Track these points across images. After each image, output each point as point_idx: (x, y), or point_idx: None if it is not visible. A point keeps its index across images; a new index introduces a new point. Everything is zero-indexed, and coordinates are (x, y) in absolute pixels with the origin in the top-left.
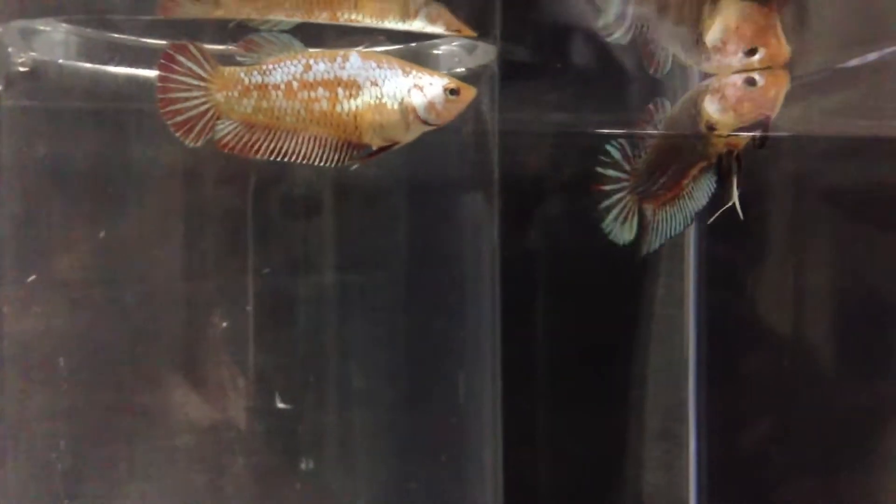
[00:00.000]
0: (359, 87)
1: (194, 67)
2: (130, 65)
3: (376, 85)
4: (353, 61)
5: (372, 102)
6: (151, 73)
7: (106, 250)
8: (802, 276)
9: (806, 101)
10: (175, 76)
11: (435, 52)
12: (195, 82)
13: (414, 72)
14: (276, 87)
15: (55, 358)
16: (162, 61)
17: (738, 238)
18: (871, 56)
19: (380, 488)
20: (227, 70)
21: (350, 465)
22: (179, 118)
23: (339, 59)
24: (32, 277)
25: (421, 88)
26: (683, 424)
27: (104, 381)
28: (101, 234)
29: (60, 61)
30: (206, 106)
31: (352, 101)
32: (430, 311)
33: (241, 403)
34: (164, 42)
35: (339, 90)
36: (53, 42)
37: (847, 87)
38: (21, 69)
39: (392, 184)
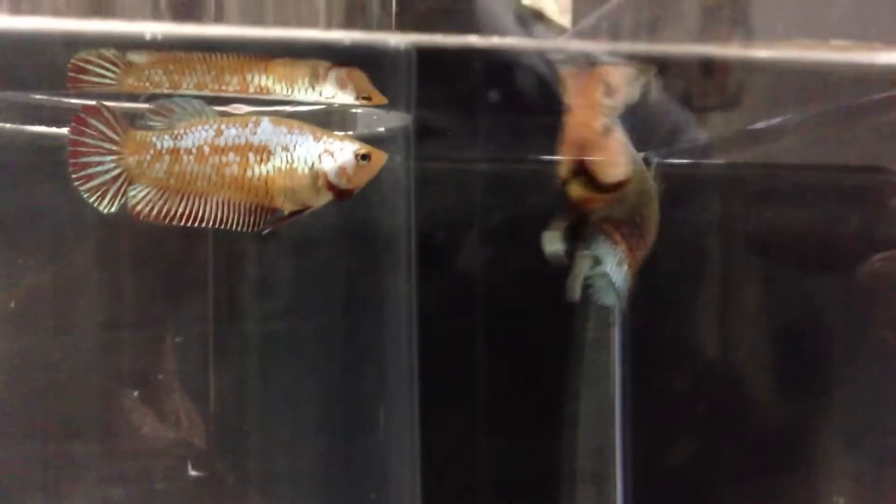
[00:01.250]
0: (270, 153)
1: (106, 131)
2: (49, 124)
3: (287, 150)
4: (265, 127)
5: (283, 167)
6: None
7: (26, 301)
8: (726, 317)
9: (728, 154)
10: (87, 139)
11: (353, 111)
12: (107, 146)
13: (325, 137)
14: (188, 151)
15: None
16: (73, 124)
17: (662, 282)
18: (776, 120)
19: None
20: (139, 134)
21: None
22: (91, 183)
23: (250, 125)
24: None
25: (332, 154)
26: (611, 466)
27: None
28: (11, 305)
29: None
30: (118, 170)
31: (263, 166)
32: (349, 357)
33: (167, 451)
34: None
35: (251, 155)
36: None
37: (758, 145)
38: None
39: (313, 233)
